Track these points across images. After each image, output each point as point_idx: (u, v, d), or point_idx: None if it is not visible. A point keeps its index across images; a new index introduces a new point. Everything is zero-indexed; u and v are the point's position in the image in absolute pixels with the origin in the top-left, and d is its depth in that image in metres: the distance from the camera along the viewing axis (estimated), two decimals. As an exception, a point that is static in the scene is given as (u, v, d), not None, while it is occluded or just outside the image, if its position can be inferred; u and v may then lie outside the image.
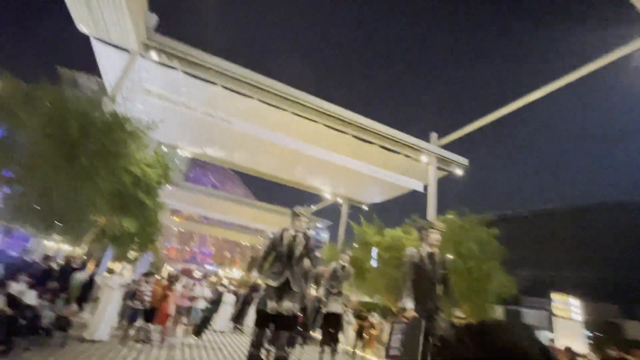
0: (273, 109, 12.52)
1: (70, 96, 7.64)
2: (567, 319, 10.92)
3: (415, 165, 14.61)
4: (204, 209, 28.76)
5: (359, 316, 10.01)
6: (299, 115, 12.82)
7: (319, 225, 28.79)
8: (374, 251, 14.82)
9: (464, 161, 14.55)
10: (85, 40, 10.37)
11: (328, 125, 13.24)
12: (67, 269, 7.60)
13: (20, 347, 5.07)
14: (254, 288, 5.66)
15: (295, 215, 4.07)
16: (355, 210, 19.50)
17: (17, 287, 5.98)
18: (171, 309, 7.19)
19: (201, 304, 7.92)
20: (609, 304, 16.27)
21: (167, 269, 36.96)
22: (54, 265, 7.86)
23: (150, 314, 6.82)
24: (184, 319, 7.90)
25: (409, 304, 3.26)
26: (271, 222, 28.34)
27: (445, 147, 14.58)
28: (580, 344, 9.99)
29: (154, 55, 10.52)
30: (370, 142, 14.05)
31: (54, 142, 6.90)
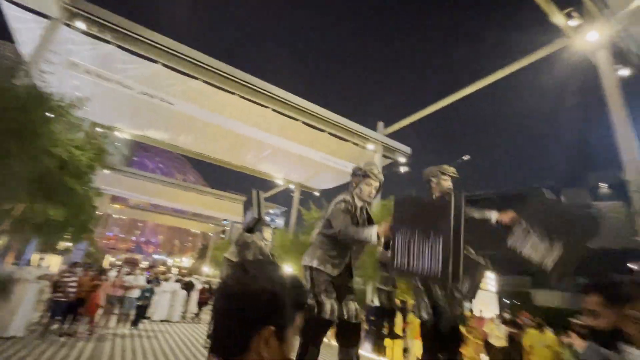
0: (220, 92, 12.06)
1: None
2: (484, 290, 12.50)
3: (363, 153, 15.12)
4: (150, 196, 27.06)
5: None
6: (248, 100, 12.52)
7: (271, 211, 28.70)
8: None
9: (407, 150, 15.37)
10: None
11: (278, 111, 13.11)
12: (-25, 262, 6.79)
13: None
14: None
15: (365, 176, 2.57)
16: (307, 196, 19.74)
17: None
18: (101, 300, 6.81)
19: (136, 293, 7.60)
20: (522, 277, 18.71)
21: (109, 260, 34.59)
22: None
23: (76, 306, 6.40)
24: (117, 309, 7.54)
25: None
26: (224, 209, 27.68)
27: (391, 136, 15.25)
28: (493, 310, 11.48)
29: (80, 24, 9.49)
30: (321, 130, 14.21)
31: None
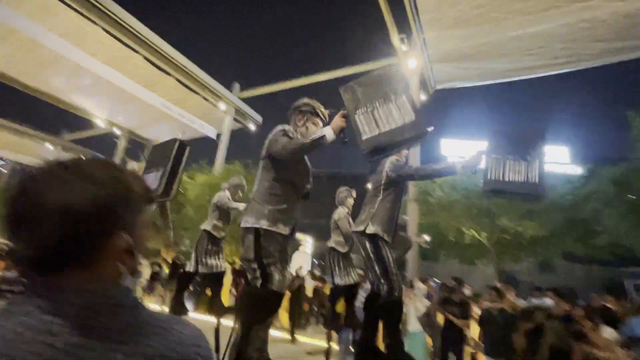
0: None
1: None
2: (301, 252, 15.41)
3: (213, 111, 14.22)
4: None
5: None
6: (67, 5, 9.31)
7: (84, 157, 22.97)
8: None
9: (259, 118, 15.52)
10: None
11: (111, 34, 10.44)
12: None
13: None
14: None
15: (314, 113, 2.12)
16: (136, 146, 16.85)
17: None
18: None
19: None
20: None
21: None
22: None
23: None
24: None
25: None
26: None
27: (245, 101, 14.98)
28: (306, 268, 13.82)
29: None
30: (166, 72, 12.33)
31: None
